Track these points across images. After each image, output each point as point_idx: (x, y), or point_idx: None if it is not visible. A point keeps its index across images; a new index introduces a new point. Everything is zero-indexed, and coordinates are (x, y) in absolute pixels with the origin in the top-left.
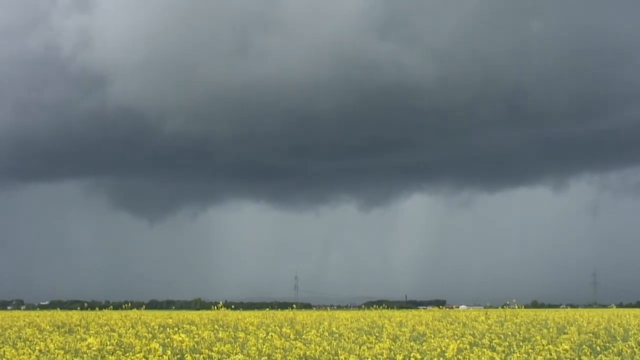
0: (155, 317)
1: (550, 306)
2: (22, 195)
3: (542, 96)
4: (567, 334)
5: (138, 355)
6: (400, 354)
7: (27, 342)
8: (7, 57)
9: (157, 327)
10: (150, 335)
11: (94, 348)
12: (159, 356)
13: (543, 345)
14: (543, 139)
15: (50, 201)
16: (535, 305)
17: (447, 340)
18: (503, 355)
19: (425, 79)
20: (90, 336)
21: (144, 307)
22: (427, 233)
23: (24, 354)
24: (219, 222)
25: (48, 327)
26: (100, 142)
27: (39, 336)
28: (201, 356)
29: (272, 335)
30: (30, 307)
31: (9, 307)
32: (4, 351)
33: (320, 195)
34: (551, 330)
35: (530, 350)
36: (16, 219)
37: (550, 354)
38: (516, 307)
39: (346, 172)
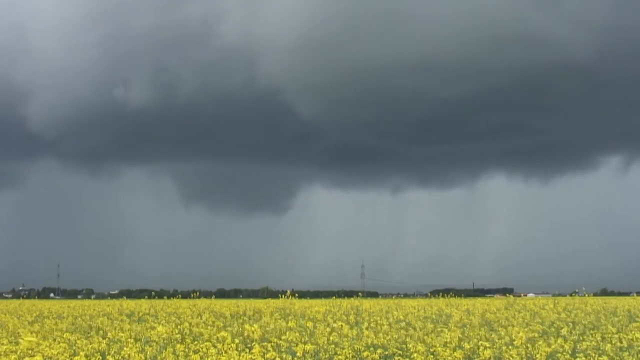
0: (223, 305)
1: (620, 294)
2: (107, 180)
3: None
4: (637, 322)
5: (207, 343)
6: (468, 342)
7: (98, 331)
8: (157, 27)
9: (226, 315)
10: (221, 324)
11: (164, 336)
12: (228, 344)
13: (613, 333)
14: None
15: (127, 187)
16: (604, 293)
17: (516, 329)
18: (572, 343)
19: (578, 58)
20: (159, 325)
21: (212, 296)
22: (496, 220)
23: (95, 342)
24: (292, 211)
25: (118, 316)
26: (226, 124)
27: (109, 325)
28: (269, 344)
29: (339, 324)
30: (100, 296)
31: (79, 296)
32: (76, 339)
33: (395, 182)
34: (621, 318)
35: (600, 339)
36: (94, 205)
37: (621, 342)
38: (585, 295)
39: (433, 158)
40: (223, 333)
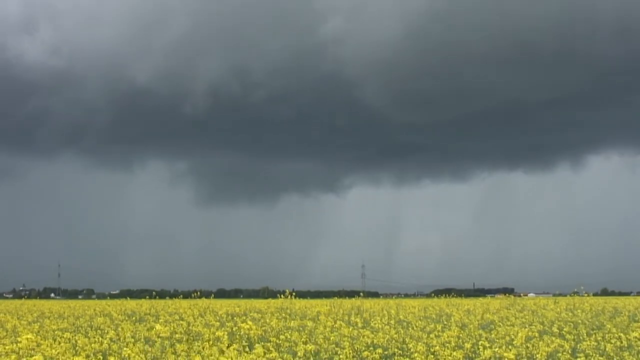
0: (223, 305)
1: (621, 294)
2: (119, 176)
3: None
4: (638, 321)
5: (206, 343)
6: (468, 342)
7: (99, 331)
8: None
9: (225, 315)
10: (218, 323)
11: (164, 336)
12: (226, 344)
13: (614, 333)
14: None
15: (130, 185)
16: (605, 292)
17: (516, 329)
18: (573, 343)
19: None
20: (160, 325)
21: (212, 296)
22: (495, 219)
23: (95, 342)
24: (295, 210)
25: (119, 316)
26: (285, 116)
27: (110, 325)
28: (269, 344)
29: (339, 324)
30: (101, 296)
31: (80, 297)
32: (77, 339)
33: (405, 180)
34: (622, 318)
35: (600, 339)
36: (95, 204)
37: (621, 342)
38: (585, 294)
39: (447, 153)
40: (220, 333)
